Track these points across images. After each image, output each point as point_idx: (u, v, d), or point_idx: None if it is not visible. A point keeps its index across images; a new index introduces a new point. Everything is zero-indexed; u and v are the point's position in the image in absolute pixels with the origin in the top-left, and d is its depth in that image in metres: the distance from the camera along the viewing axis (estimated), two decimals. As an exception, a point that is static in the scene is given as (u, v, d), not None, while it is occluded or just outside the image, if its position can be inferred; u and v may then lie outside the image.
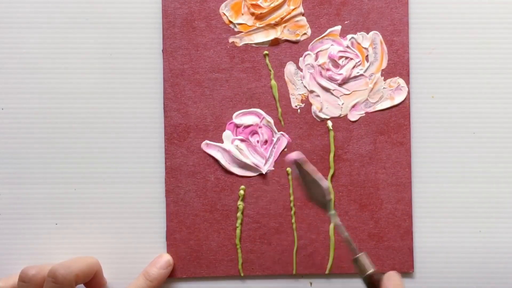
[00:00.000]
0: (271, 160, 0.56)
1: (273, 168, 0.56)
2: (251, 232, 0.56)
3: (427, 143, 0.56)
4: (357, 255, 0.49)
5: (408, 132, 0.56)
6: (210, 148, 0.56)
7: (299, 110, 0.56)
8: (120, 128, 0.56)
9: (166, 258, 0.55)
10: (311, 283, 0.56)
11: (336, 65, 0.56)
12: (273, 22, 0.56)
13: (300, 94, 0.56)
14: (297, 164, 0.50)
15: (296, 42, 0.56)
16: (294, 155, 0.50)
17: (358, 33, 0.56)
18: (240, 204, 0.56)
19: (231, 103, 0.56)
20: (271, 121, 0.56)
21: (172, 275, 0.56)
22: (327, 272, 0.56)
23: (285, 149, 0.56)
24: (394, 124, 0.56)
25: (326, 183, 0.51)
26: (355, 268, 0.49)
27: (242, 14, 0.56)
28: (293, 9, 0.56)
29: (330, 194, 0.50)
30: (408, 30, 0.56)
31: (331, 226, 0.56)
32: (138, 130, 0.56)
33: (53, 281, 0.50)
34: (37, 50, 0.56)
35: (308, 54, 0.56)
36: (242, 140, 0.56)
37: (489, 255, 0.56)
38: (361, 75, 0.56)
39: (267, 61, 0.56)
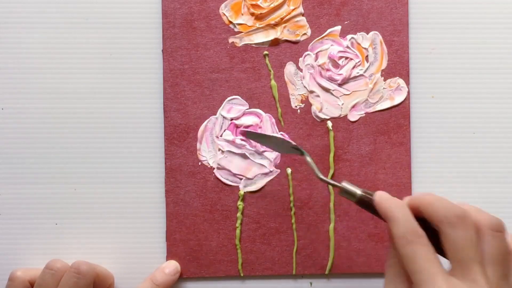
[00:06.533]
0: (272, 161, 0.56)
1: (273, 169, 0.56)
2: (251, 232, 0.56)
3: (427, 143, 0.56)
4: (341, 186, 0.48)
5: (408, 132, 0.56)
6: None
7: (299, 111, 0.56)
8: (120, 128, 0.56)
9: (175, 264, 0.55)
10: (311, 283, 0.56)
11: (336, 65, 0.56)
12: (273, 22, 0.56)
13: (300, 94, 0.56)
14: (248, 133, 0.55)
15: (296, 42, 0.56)
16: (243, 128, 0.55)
17: (358, 33, 0.56)
18: (240, 204, 0.56)
19: (231, 103, 0.57)
20: (271, 121, 0.56)
21: (172, 275, 0.56)
22: (327, 272, 0.56)
23: (285, 149, 0.56)
24: (394, 124, 0.56)
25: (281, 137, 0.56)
26: (346, 197, 0.48)
27: (242, 14, 0.56)
28: (293, 9, 0.56)
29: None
30: (408, 30, 0.56)
31: (331, 226, 0.56)
32: (138, 130, 0.56)
33: (75, 271, 0.51)
34: (37, 50, 0.56)
35: (308, 54, 0.56)
36: (242, 140, 0.56)
37: (489, 255, 0.56)
38: (361, 75, 0.56)
39: (267, 61, 0.56)
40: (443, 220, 0.44)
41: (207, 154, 0.56)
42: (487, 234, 0.45)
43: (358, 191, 0.47)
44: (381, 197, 0.46)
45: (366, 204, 0.47)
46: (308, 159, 0.52)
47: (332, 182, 0.50)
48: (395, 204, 0.45)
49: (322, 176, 0.50)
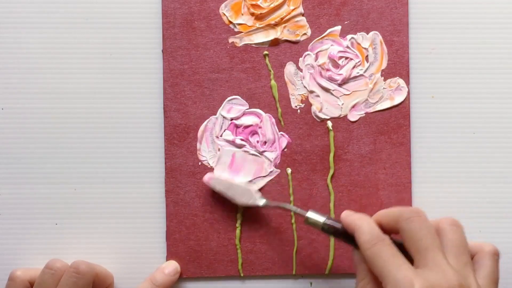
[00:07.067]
0: (272, 161, 0.56)
1: (273, 169, 0.56)
2: (251, 232, 0.56)
3: (427, 143, 0.56)
4: (306, 215, 0.51)
5: (408, 132, 0.56)
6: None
7: (299, 111, 0.56)
8: (120, 128, 0.56)
9: (175, 265, 0.55)
10: (311, 283, 0.56)
11: (336, 65, 0.56)
12: (273, 22, 0.56)
13: (300, 94, 0.56)
14: (214, 180, 0.55)
15: (296, 42, 0.56)
16: (208, 175, 0.55)
17: (358, 33, 0.56)
18: (240, 204, 0.56)
19: (231, 103, 0.57)
20: (271, 121, 0.56)
21: (172, 275, 0.56)
22: (327, 272, 0.56)
23: (285, 149, 0.56)
24: (394, 124, 0.56)
25: (246, 184, 0.55)
26: (311, 226, 0.51)
27: (242, 14, 0.56)
28: (293, 9, 0.56)
29: (255, 189, 0.55)
30: (408, 30, 0.56)
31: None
32: (138, 130, 0.56)
33: (75, 271, 0.51)
34: (37, 50, 0.56)
35: (308, 54, 0.56)
36: (242, 140, 0.56)
37: (489, 255, 0.56)
38: (361, 75, 0.56)
39: (267, 61, 0.56)
40: (399, 218, 0.47)
41: (207, 154, 0.56)
42: (447, 229, 0.48)
43: (322, 218, 0.51)
44: (347, 213, 0.50)
45: (332, 228, 0.50)
46: (271, 203, 0.54)
47: (298, 211, 0.53)
48: (359, 216, 0.49)
49: (289, 207, 0.54)
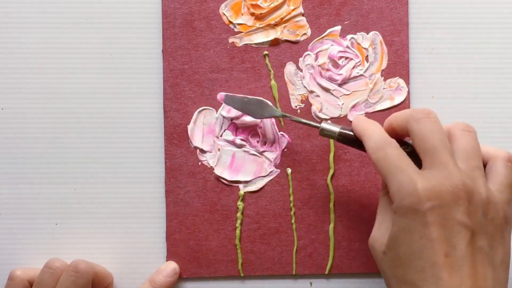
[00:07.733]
0: (271, 161, 0.56)
1: (273, 169, 0.56)
2: (251, 233, 0.56)
3: (427, 143, 0.56)
4: (320, 127, 0.51)
5: (408, 132, 0.56)
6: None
7: (299, 111, 0.56)
8: (120, 128, 0.56)
9: (173, 266, 0.55)
10: (311, 283, 0.56)
11: (336, 65, 0.56)
12: (273, 22, 0.56)
13: (300, 95, 0.56)
14: (228, 97, 0.55)
15: (296, 42, 0.56)
16: (221, 93, 0.55)
17: (358, 33, 0.56)
18: (240, 204, 0.56)
19: (231, 103, 0.56)
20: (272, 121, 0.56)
21: (172, 275, 0.56)
22: (327, 272, 0.56)
23: (285, 149, 0.56)
24: (394, 124, 0.56)
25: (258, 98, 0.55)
26: (327, 137, 0.51)
27: (242, 14, 0.56)
28: (293, 9, 0.56)
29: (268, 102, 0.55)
30: (408, 30, 0.56)
31: (331, 226, 0.56)
32: (138, 130, 0.56)
33: (74, 270, 0.51)
34: (37, 50, 0.56)
35: (308, 54, 0.56)
36: (242, 140, 0.56)
37: (489, 255, 0.56)
38: (361, 75, 0.56)
39: (267, 61, 0.56)
40: (409, 119, 0.46)
41: (207, 154, 0.56)
42: (458, 133, 0.46)
43: (337, 128, 0.50)
44: (357, 118, 0.50)
45: (347, 137, 0.50)
46: (287, 115, 0.54)
47: (312, 123, 0.52)
48: (368, 122, 0.49)
49: (301, 120, 0.53)
